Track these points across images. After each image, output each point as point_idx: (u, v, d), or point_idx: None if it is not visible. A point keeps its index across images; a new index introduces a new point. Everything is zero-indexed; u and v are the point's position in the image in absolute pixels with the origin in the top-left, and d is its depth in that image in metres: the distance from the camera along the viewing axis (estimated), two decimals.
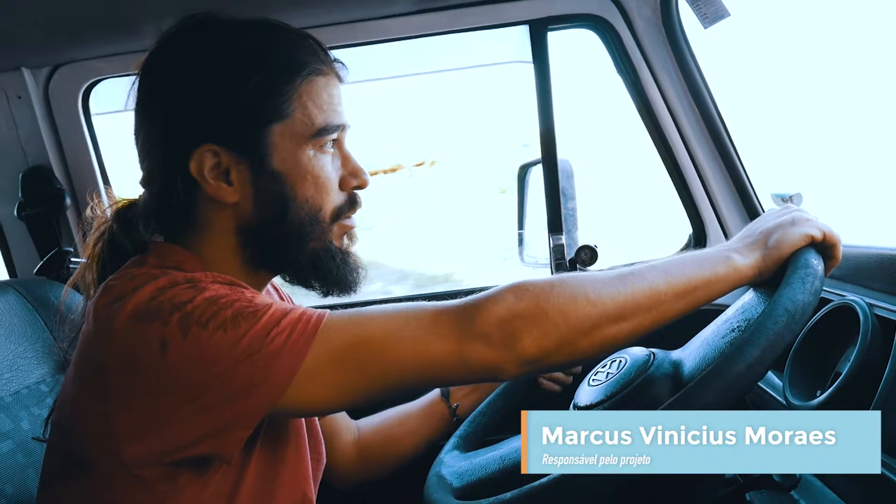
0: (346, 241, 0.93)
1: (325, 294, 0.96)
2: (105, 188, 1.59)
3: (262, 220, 0.87)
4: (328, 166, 0.88)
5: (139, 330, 0.75)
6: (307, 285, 0.94)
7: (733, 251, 0.83)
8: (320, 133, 0.86)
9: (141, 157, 0.90)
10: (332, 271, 0.91)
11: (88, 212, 0.99)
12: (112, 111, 1.69)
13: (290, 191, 0.86)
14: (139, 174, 0.92)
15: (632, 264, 0.83)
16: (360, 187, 0.92)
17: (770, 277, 0.83)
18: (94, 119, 1.65)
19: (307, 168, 0.86)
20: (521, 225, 1.69)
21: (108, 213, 0.97)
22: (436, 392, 1.25)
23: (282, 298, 1.12)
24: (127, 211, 0.95)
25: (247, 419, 0.76)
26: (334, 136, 0.88)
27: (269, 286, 1.04)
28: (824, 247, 0.84)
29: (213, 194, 0.86)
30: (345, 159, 0.91)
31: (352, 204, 0.92)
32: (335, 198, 0.89)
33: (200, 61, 0.85)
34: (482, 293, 0.78)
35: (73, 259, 1.56)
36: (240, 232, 0.88)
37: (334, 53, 0.92)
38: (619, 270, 0.80)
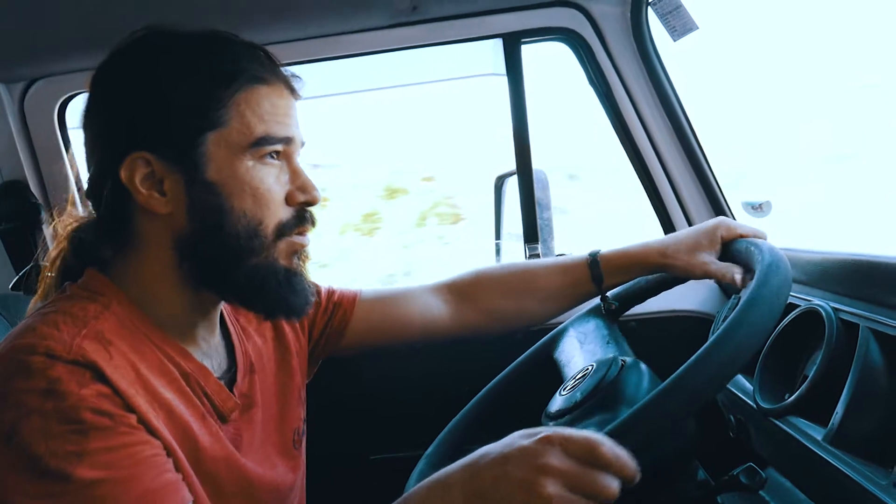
0: (294, 260, 0.87)
1: (269, 317, 0.91)
2: (81, 202, 1.58)
3: (197, 232, 0.82)
4: (269, 179, 0.83)
5: None
6: (250, 307, 0.88)
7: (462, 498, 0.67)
8: (259, 143, 0.82)
9: (87, 170, 0.87)
10: (274, 292, 0.85)
11: (51, 228, 0.92)
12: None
13: (225, 202, 0.81)
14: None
15: None
16: (309, 203, 0.87)
17: None
18: (70, 133, 1.65)
19: (245, 179, 0.81)
20: (497, 235, 1.71)
21: (68, 230, 0.92)
22: (583, 263, 1.16)
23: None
24: (78, 231, 0.91)
25: None
26: (276, 147, 0.83)
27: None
28: None
29: (145, 204, 0.81)
30: (294, 174, 0.86)
31: (300, 220, 0.86)
32: (279, 212, 0.84)
33: (135, 68, 0.82)
34: None
35: (48, 274, 1.54)
36: (176, 245, 0.83)
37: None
38: None
